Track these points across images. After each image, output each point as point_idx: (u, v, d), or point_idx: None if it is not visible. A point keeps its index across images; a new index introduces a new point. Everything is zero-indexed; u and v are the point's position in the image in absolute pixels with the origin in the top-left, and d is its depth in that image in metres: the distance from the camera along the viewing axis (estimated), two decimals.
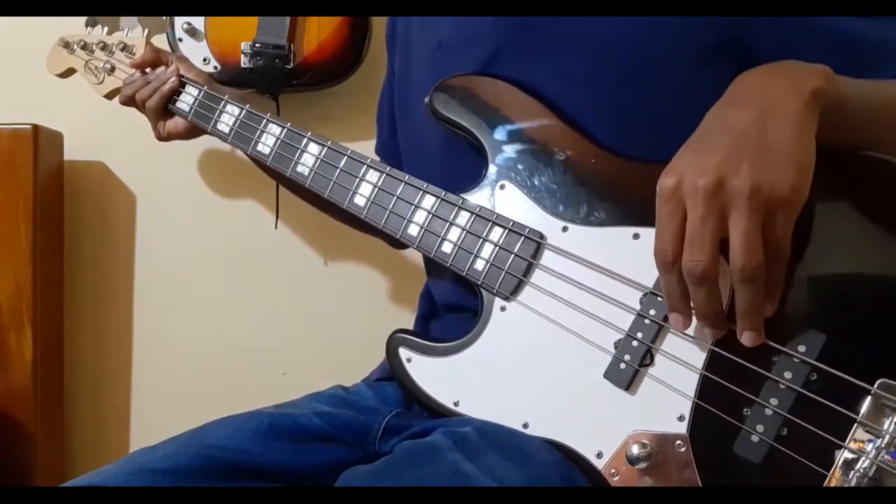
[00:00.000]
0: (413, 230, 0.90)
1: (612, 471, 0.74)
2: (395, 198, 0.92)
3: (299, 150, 1.01)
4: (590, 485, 0.75)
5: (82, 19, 1.31)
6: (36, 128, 1.50)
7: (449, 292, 0.95)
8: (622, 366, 0.76)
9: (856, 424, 0.65)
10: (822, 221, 0.70)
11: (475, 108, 0.89)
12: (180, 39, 1.45)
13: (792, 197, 0.63)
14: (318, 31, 1.43)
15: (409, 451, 0.79)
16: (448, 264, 0.87)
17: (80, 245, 1.65)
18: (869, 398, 0.65)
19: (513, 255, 0.83)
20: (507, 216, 0.85)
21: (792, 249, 0.66)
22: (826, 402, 0.67)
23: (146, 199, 1.65)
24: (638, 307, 0.76)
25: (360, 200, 0.95)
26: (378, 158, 1.19)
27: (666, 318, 0.72)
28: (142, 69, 1.23)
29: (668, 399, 0.73)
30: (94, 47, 1.29)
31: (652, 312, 0.75)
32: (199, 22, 1.45)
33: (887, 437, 0.64)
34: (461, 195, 0.88)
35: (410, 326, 1.03)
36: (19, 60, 1.50)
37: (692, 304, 0.68)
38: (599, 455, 0.75)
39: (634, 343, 0.75)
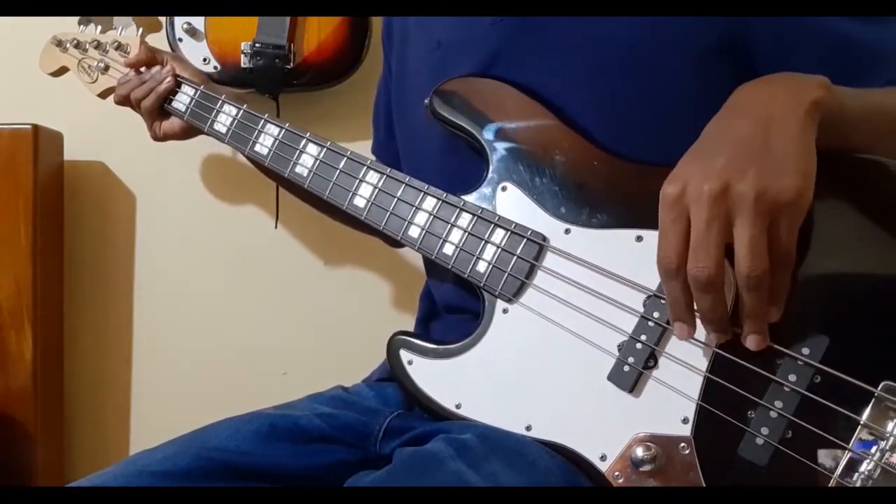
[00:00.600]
0: (414, 232, 0.90)
1: (616, 473, 0.74)
2: (395, 199, 0.92)
3: (298, 151, 1.01)
4: None
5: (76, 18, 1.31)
6: (36, 128, 1.50)
7: (450, 294, 0.95)
8: (626, 368, 0.76)
9: (860, 427, 0.65)
10: (825, 224, 0.69)
11: (475, 110, 0.89)
12: (180, 39, 1.45)
13: (797, 200, 0.63)
14: (318, 31, 1.43)
15: (411, 459, 0.78)
16: (450, 266, 0.87)
17: (80, 245, 1.65)
18: (873, 401, 0.65)
19: (515, 257, 0.83)
20: (509, 218, 0.84)
21: (796, 253, 0.66)
22: (830, 405, 0.67)
23: (146, 199, 1.65)
24: (641, 310, 0.76)
25: (359, 202, 0.95)
26: (375, 159, 1.19)
27: (669, 322, 0.72)
28: (136, 69, 1.22)
29: (672, 401, 0.73)
30: (87, 46, 1.28)
31: (655, 315, 0.75)
32: (199, 22, 1.45)
33: (892, 440, 0.64)
34: (462, 197, 0.88)
35: (411, 326, 1.03)
36: (19, 60, 1.50)
37: (697, 310, 0.68)
38: (603, 458, 0.75)
39: (638, 345, 0.75)
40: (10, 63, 1.59)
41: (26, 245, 1.49)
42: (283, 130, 1.03)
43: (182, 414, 1.51)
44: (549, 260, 0.82)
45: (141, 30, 1.26)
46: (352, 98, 1.52)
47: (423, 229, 0.89)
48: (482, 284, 0.85)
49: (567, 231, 0.82)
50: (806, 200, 0.64)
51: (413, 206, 0.90)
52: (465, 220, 0.87)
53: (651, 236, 0.67)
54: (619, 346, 0.76)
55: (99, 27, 1.28)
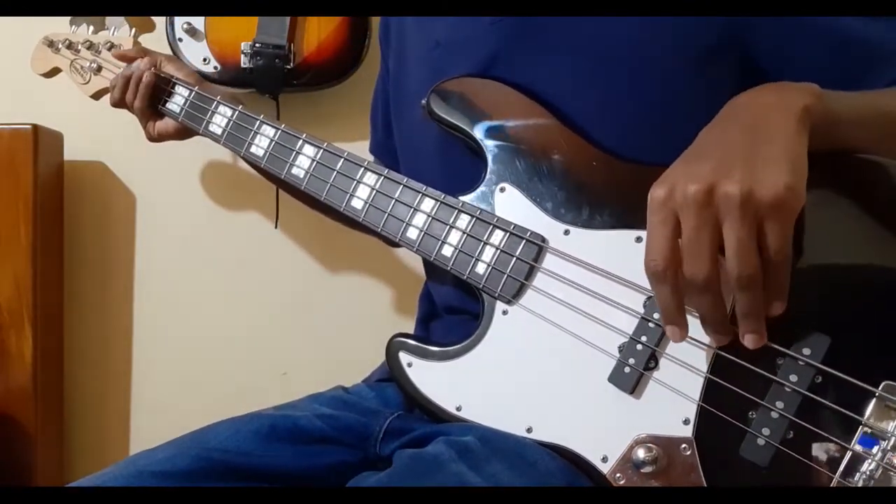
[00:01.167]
0: (412, 233, 0.90)
1: (618, 475, 0.74)
2: (393, 201, 0.91)
3: (294, 153, 1.01)
4: None
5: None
6: (36, 128, 1.50)
7: (449, 295, 0.95)
8: (626, 369, 0.75)
9: (861, 427, 0.65)
10: (825, 224, 0.69)
11: (473, 110, 0.89)
12: (180, 39, 1.45)
13: (785, 199, 0.61)
14: (318, 31, 1.43)
15: (412, 462, 0.78)
16: (449, 268, 0.87)
17: (80, 245, 1.65)
18: (874, 400, 0.65)
19: (514, 259, 0.83)
20: (507, 219, 0.84)
21: (795, 252, 0.65)
22: (831, 405, 0.66)
23: (146, 199, 1.65)
24: (642, 311, 0.76)
25: (357, 203, 0.94)
26: (373, 158, 1.19)
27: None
28: (127, 63, 1.22)
29: (673, 402, 0.73)
30: (79, 46, 1.27)
31: (656, 316, 0.74)
32: (199, 22, 1.45)
33: (893, 440, 0.63)
34: (460, 198, 0.88)
35: (411, 326, 1.03)
36: (19, 60, 1.49)
37: (697, 313, 0.67)
38: (604, 459, 0.75)
39: (639, 346, 0.75)
40: (10, 63, 1.59)
41: (26, 245, 1.49)
42: (279, 131, 1.03)
43: (182, 414, 1.51)
44: (549, 261, 0.82)
45: (134, 30, 1.26)
46: (352, 98, 1.52)
47: (421, 231, 0.89)
48: (481, 286, 0.84)
49: (566, 232, 0.81)
50: (795, 199, 0.62)
51: (411, 207, 0.90)
52: (463, 221, 0.87)
53: None
54: (619, 347, 0.76)
55: (91, 27, 1.27)
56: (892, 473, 0.63)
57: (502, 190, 0.86)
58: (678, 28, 0.81)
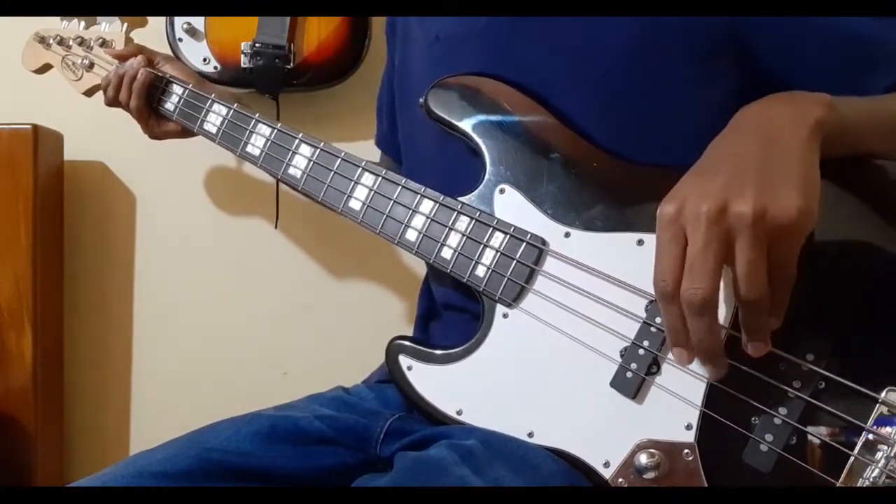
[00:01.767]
0: (411, 235, 0.89)
1: (620, 479, 0.74)
2: (391, 202, 0.91)
3: (290, 152, 1.00)
4: None
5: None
6: (36, 128, 1.50)
7: (449, 293, 0.94)
8: (629, 374, 0.75)
9: (864, 433, 0.65)
10: (828, 229, 0.69)
11: (471, 109, 0.88)
12: (180, 39, 1.45)
13: (798, 221, 0.60)
14: (318, 31, 1.43)
15: (414, 466, 0.78)
16: (448, 270, 0.86)
17: (80, 245, 1.64)
18: (877, 406, 0.64)
19: (514, 262, 0.82)
20: (507, 221, 0.84)
21: (799, 259, 0.65)
22: (834, 412, 0.66)
23: (146, 199, 1.65)
24: (643, 315, 0.75)
25: (355, 205, 0.94)
26: (379, 152, 1.18)
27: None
28: (121, 61, 1.21)
29: (675, 408, 0.73)
30: (70, 42, 1.26)
31: (658, 320, 0.74)
32: (199, 22, 1.45)
33: None
34: (459, 199, 0.87)
35: (411, 326, 1.03)
36: (19, 60, 1.49)
37: (690, 336, 0.66)
38: (607, 464, 0.75)
39: (641, 351, 0.75)
40: (10, 63, 1.59)
41: (26, 245, 1.49)
42: (275, 131, 1.02)
43: (182, 414, 1.51)
44: (549, 264, 0.81)
45: (125, 25, 1.24)
46: (352, 98, 1.51)
47: (420, 233, 0.88)
48: (481, 289, 0.84)
49: (567, 234, 0.81)
50: (808, 221, 0.61)
51: (409, 208, 0.89)
52: (463, 223, 0.86)
53: (652, 240, 0.66)
54: (621, 351, 0.76)
55: (82, 23, 1.26)
56: (895, 480, 0.63)
57: (502, 191, 0.85)
58: (678, 27, 0.81)
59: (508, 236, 0.83)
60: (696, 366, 0.72)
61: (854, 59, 0.78)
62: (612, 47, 0.84)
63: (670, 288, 0.63)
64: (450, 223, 0.87)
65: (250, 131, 1.05)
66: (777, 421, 0.68)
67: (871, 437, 0.64)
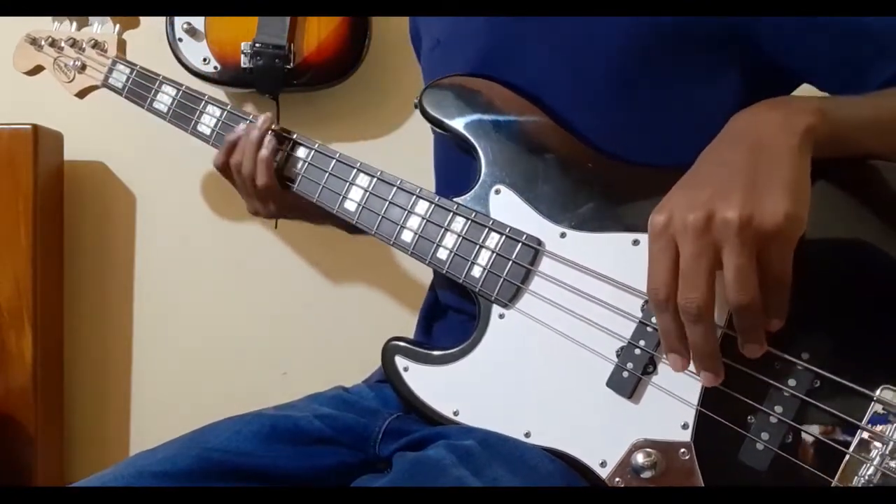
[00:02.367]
0: (407, 236, 0.89)
1: (617, 479, 0.74)
2: (387, 203, 0.91)
3: (286, 154, 1.01)
4: None
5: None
6: (36, 128, 1.50)
7: (449, 294, 0.95)
8: (625, 374, 0.75)
9: (859, 431, 0.65)
10: (823, 227, 0.69)
11: (466, 110, 0.88)
12: (180, 39, 1.45)
13: (786, 226, 0.60)
14: (318, 31, 1.43)
15: (413, 466, 0.78)
16: (444, 271, 0.86)
17: (80, 245, 1.64)
18: (872, 405, 0.65)
19: (510, 262, 0.83)
20: (503, 221, 0.84)
21: (793, 258, 0.64)
22: (830, 410, 0.66)
23: (146, 199, 1.64)
24: (640, 315, 0.75)
25: (350, 206, 0.94)
26: (379, 154, 1.18)
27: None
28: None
29: (671, 407, 0.73)
30: (62, 44, 1.26)
31: (654, 320, 0.74)
32: (199, 22, 1.45)
33: (891, 444, 0.63)
34: (455, 200, 0.87)
35: (412, 325, 1.03)
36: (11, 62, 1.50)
37: (688, 342, 0.66)
38: (603, 464, 0.75)
39: (637, 351, 0.75)
40: (10, 63, 1.59)
41: (26, 245, 1.49)
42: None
43: (182, 414, 1.51)
44: (545, 265, 0.81)
45: (118, 26, 1.24)
46: (352, 98, 1.51)
47: (415, 234, 0.89)
48: (477, 289, 0.84)
49: (563, 235, 0.81)
50: (795, 227, 0.61)
51: (405, 209, 0.90)
52: (458, 224, 0.86)
53: (648, 242, 0.67)
54: (617, 351, 0.76)
55: (74, 24, 1.26)
56: (890, 478, 0.63)
57: (497, 192, 0.85)
58: (678, 26, 0.80)
59: (504, 237, 0.83)
60: (692, 368, 0.72)
61: (856, 50, 0.77)
62: (611, 47, 0.83)
63: (663, 296, 0.64)
64: (445, 224, 0.87)
65: None
66: (773, 419, 0.68)
67: (866, 434, 0.65)
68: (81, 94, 1.27)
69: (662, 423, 0.73)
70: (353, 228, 0.97)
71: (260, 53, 1.41)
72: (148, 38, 1.33)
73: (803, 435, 0.67)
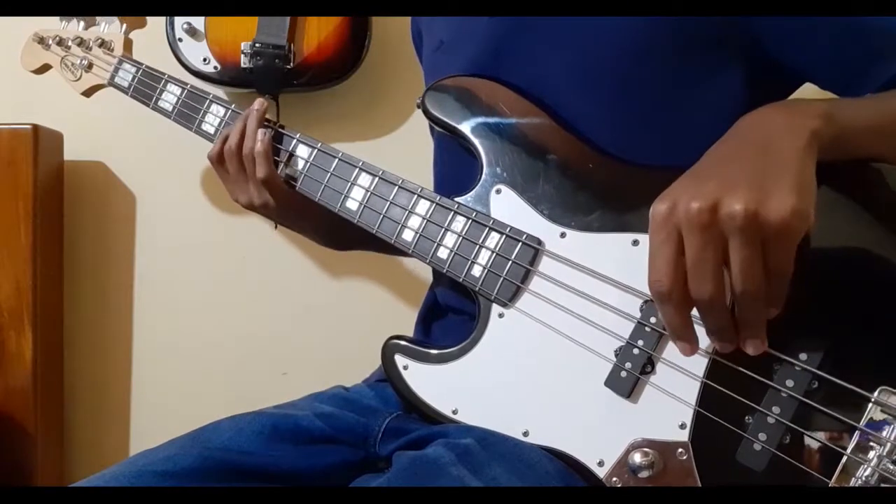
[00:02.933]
0: (408, 235, 0.90)
1: (614, 479, 0.74)
2: (388, 202, 0.91)
3: (288, 153, 1.01)
4: None
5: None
6: (36, 128, 1.50)
7: (448, 294, 0.95)
8: (623, 374, 0.75)
9: (857, 432, 0.65)
10: (822, 228, 0.68)
11: (468, 110, 0.88)
12: (180, 39, 1.45)
13: (792, 220, 0.60)
14: (318, 31, 1.43)
15: (411, 465, 0.78)
16: (444, 270, 0.87)
17: (80, 245, 1.65)
18: (870, 406, 0.65)
19: (510, 262, 0.83)
20: (503, 221, 0.84)
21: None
22: (827, 411, 0.66)
23: (146, 199, 1.65)
24: (638, 315, 0.76)
25: (352, 205, 0.94)
26: (379, 153, 1.18)
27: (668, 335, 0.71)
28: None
29: (669, 407, 0.73)
30: (69, 43, 1.26)
31: (652, 320, 0.74)
32: (199, 22, 1.45)
33: (888, 445, 0.63)
34: (456, 199, 0.87)
35: (411, 325, 1.03)
36: (19, 60, 1.50)
37: (704, 327, 0.66)
38: (601, 463, 0.75)
39: (635, 351, 0.75)
40: (11, 63, 1.59)
41: (26, 245, 1.49)
42: (273, 132, 1.02)
43: (182, 414, 1.51)
44: (545, 264, 0.81)
45: (125, 26, 1.24)
46: (352, 98, 1.52)
47: (417, 233, 0.89)
48: (477, 289, 0.84)
49: (563, 235, 0.81)
50: (801, 223, 0.61)
51: (406, 209, 0.90)
52: (459, 223, 0.86)
53: (647, 240, 0.66)
54: (615, 351, 0.76)
55: (81, 23, 1.26)
56: (888, 479, 0.63)
57: (498, 192, 0.86)
58: (678, 25, 0.81)
59: (504, 236, 0.83)
60: (690, 364, 0.72)
61: (858, 47, 0.77)
62: (614, 47, 0.84)
63: (665, 288, 0.63)
64: (446, 223, 0.87)
65: None
66: (770, 420, 0.68)
67: (863, 436, 0.65)
68: (88, 93, 1.28)
69: (660, 422, 0.73)
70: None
71: (260, 53, 1.41)
72: (148, 38, 1.33)
73: (801, 436, 0.67)
